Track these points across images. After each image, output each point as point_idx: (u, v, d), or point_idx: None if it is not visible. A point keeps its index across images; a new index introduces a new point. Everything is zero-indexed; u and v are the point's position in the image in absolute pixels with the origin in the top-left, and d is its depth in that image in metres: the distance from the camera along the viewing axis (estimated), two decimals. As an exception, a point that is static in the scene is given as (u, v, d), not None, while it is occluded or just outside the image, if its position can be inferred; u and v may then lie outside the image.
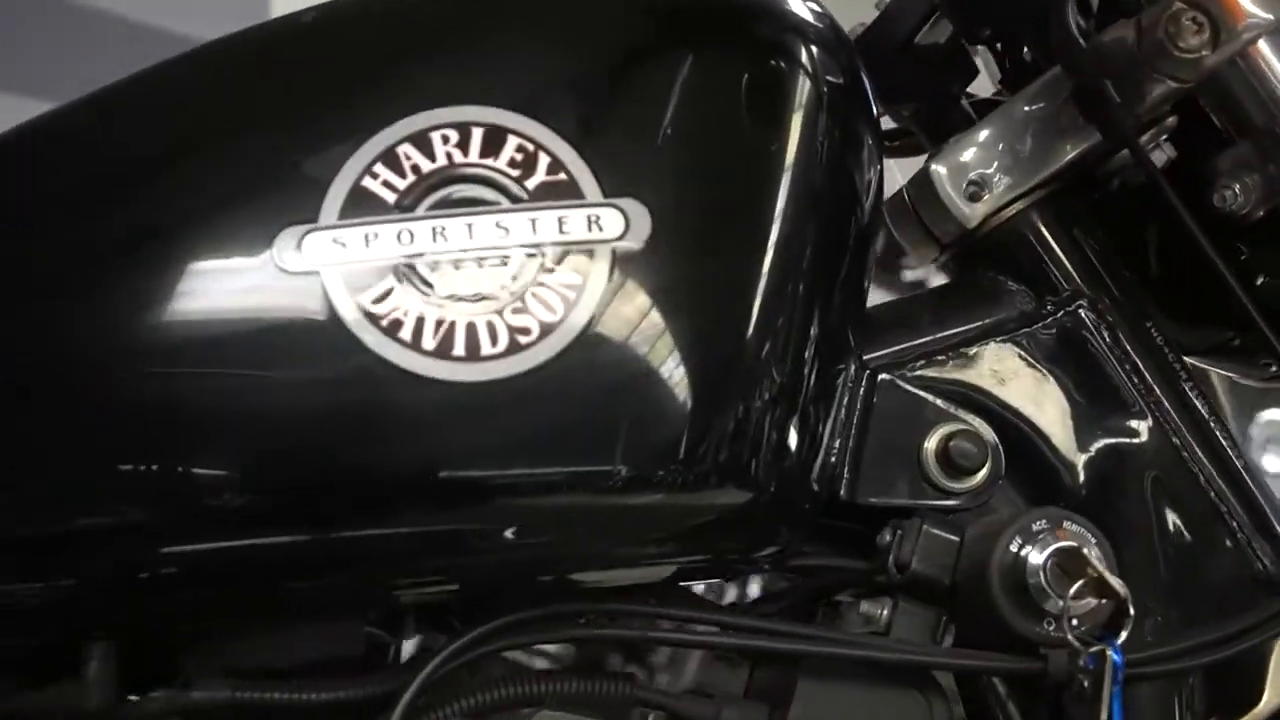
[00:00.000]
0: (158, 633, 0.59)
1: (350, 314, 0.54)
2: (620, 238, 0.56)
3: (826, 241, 0.61)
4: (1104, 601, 0.60)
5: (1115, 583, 0.59)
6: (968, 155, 0.71)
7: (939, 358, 0.69)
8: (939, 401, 0.67)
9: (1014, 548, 0.62)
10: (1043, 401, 0.69)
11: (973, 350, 0.70)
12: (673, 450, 0.56)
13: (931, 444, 0.67)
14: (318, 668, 0.61)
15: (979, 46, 0.77)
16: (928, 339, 0.70)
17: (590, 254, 0.55)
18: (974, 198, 0.71)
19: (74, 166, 0.58)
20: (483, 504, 0.55)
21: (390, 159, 0.55)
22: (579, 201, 0.56)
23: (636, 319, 0.55)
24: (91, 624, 0.57)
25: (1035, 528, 0.62)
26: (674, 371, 0.56)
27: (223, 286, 0.55)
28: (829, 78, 0.62)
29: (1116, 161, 0.72)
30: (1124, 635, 0.59)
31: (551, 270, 0.55)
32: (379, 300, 0.54)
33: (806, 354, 0.60)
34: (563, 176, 0.56)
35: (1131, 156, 0.69)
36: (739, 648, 0.64)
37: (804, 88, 0.61)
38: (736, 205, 0.58)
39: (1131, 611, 0.59)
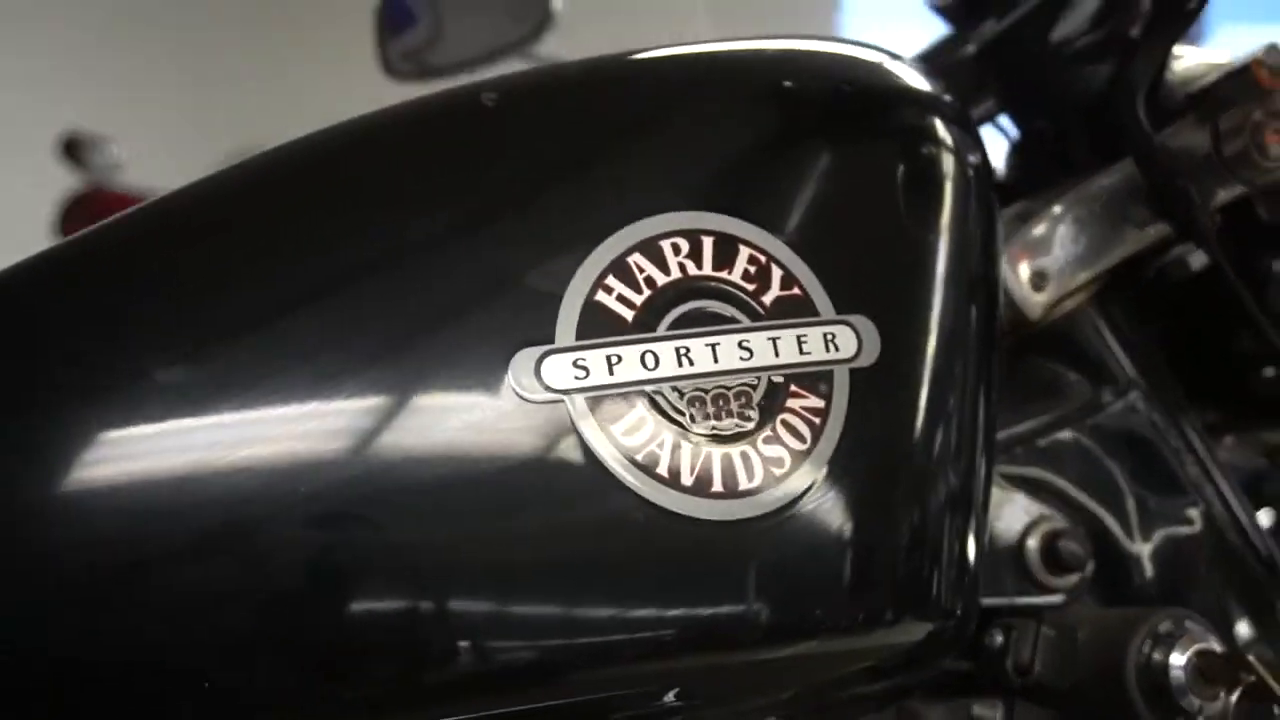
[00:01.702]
0: None
1: (604, 448, 0.48)
2: (854, 358, 0.52)
3: (994, 324, 0.60)
4: (1241, 700, 0.62)
5: (1268, 676, 0.61)
6: (1034, 237, 0.71)
7: (1015, 450, 0.69)
8: (1032, 499, 0.67)
9: (1146, 649, 0.63)
10: (1112, 493, 0.71)
11: (1043, 443, 0.70)
12: (915, 584, 0.53)
13: (1034, 542, 0.67)
14: None
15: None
16: (1008, 433, 0.70)
17: (830, 377, 0.52)
18: (1038, 287, 0.71)
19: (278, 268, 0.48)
20: (734, 648, 0.51)
21: (622, 270, 0.50)
22: (815, 319, 0.52)
23: (876, 445, 0.52)
24: None
25: (1163, 629, 0.63)
26: (914, 500, 0.53)
27: (458, 417, 0.47)
28: (984, 175, 0.61)
29: (1168, 256, 0.74)
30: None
31: (799, 394, 0.51)
32: (632, 432, 0.48)
33: (989, 464, 0.58)
34: (797, 292, 0.52)
35: (1201, 249, 0.72)
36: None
37: (970, 174, 0.59)
38: (951, 316, 0.55)
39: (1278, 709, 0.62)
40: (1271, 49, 0.70)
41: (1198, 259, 0.74)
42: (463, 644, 0.46)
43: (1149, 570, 0.70)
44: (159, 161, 3.86)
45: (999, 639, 0.66)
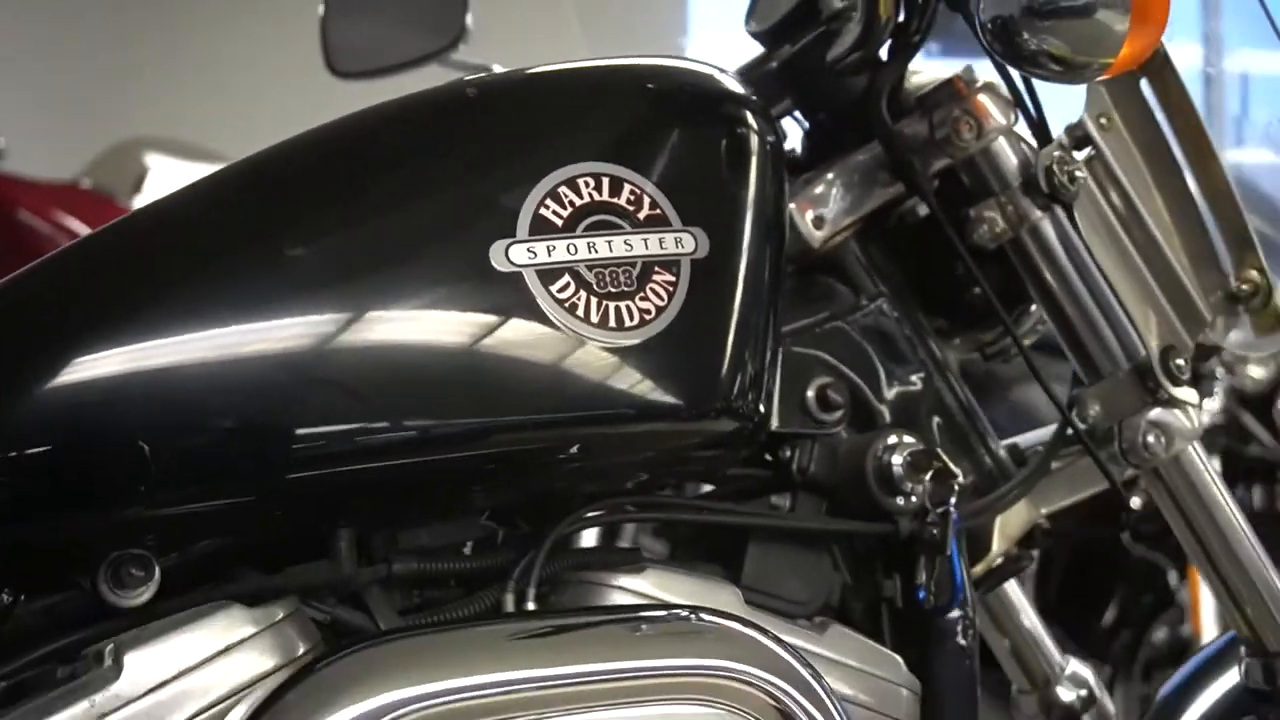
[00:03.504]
0: (375, 525, 0.82)
1: (545, 301, 0.81)
2: (694, 252, 0.86)
3: (782, 244, 0.94)
4: (933, 482, 0.97)
5: (953, 467, 0.97)
6: (815, 194, 1.05)
7: (807, 333, 1.03)
8: (812, 365, 1.02)
9: (880, 453, 0.98)
10: (864, 363, 1.05)
11: (819, 330, 1.05)
12: (722, 390, 0.87)
13: (811, 392, 1.01)
14: (455, 549, 0.87)
15: None
16: (797, 325, 1.04)
17: (678, 263, 0.85)
18: (818, 227, 1.06)
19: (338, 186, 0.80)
20: (605, 425, 0.84)
21: (555, 195, 0.83)
22: (669, 228, 0.85)
23: (707, 306, 0.86)
24: (342, 518, 0.80)
25: (891, 441, 0.99)
26: (727, 341, 0.87)
27: (453, 283, 0.80)
28: (771, 138, 0.95)
29: (904, 206, 1.09)
30: (954, 499, 0.97)
31: (659, 271, 0.84)
32: (561, 291, 0.81)
33: (776, 328, 0.92)
34: (659, 211, 0.85)
35: (923, 202, 1.07)
36: (718, 521, 0.96)
37: (767, 148, 0.93)
38: (750, 228, 0.89)
39: (957, 488, 0.97)
40: (968, 69, 1.06)
41: (923, 209, 1.09)
42: (442, 420, 0.79)
43: (887, 414, 1.05)
44: (39, 152, 4.04)
45: (788, 453, 1.00)
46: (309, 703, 0.68)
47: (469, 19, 1.35)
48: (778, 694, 0.79)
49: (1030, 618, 1.29)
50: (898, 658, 0.96)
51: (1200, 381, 1.12)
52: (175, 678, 0.73)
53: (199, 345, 0.76)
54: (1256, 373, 3.23)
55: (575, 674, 0.74)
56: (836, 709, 0.81)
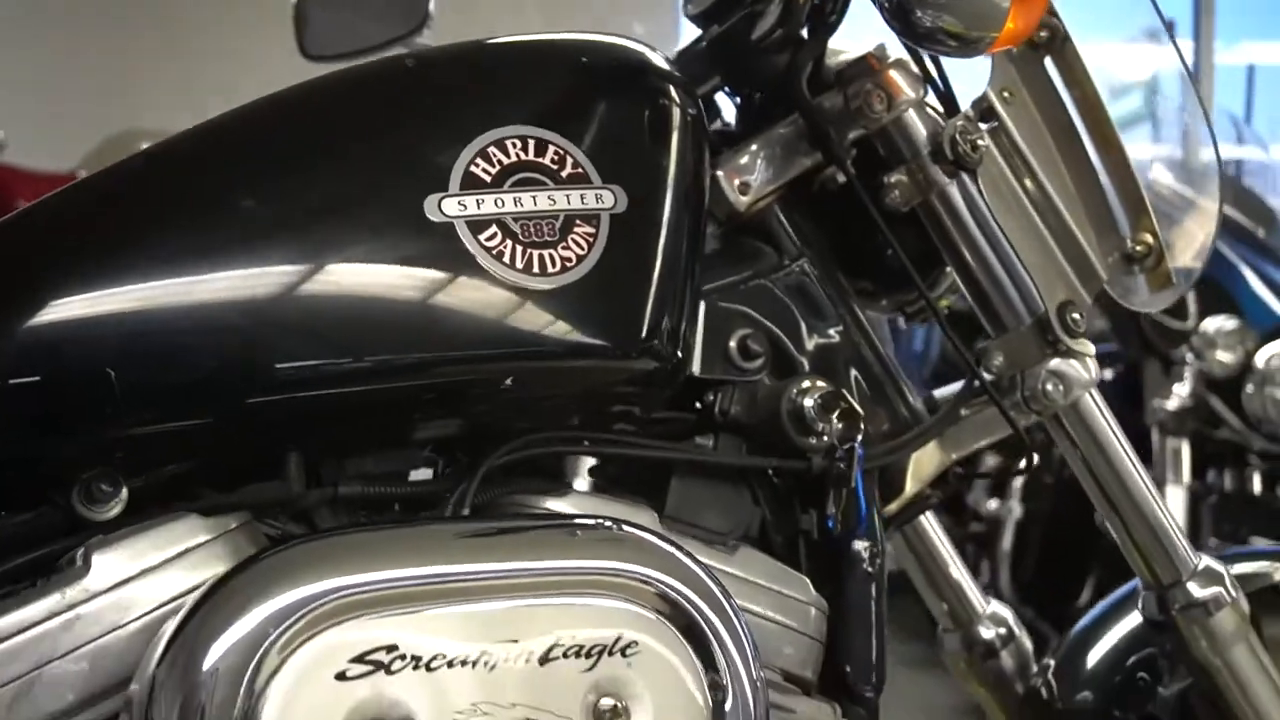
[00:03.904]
0: (324, 451, 0.92)
1: (475, 249, 0.90)
2: (612, 208, 0.95)
3: (701, 205, 1.03)
4: (841, 421, 1.06)
5: (857, 408, 1.06)
6: (741, 163, 1.14)
7: (732, 290, 1.12)
8: (735, 319, 1.10)
9: (794, 396, 1.07)
10: (786, 318, 1.14)
11: (744, 288, 1.14)
12: (640, 333, 0.96)
13: (734, 342, 1.10)
14: (398, 476, 0.96)
15: None
16: (722, 281, 1.13)
17: (598, 217, 0.94)
18: (743, 193, 1.15)
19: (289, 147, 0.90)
20: (531, 360, 0.93)
21: (485, 154, 0.92)
22: (590, 185, 0.95)
23: (625, 255, 0.95)
24: (291, 442, 0.89)
25: (804, 385, 1.07)
26: (642, 286, 0.96)
27: (392, 231, 0.89)
28: (692, 110, 1.04)
29: (825, 174, 1.18)
30: (859, 438, 1.06)
31: (580, 224, 0.94)
32: (490, 240, 0.90)
33: (694, 279, 1.02)
34: (581, 170, 0.95)
35: (839, 170, 1.16)
36: (643, 456, 1.04)
37: (687, 119, 1.02)
38: (666, 188, 0.99)
39: (863, 425, 1.06)
40: (880, 47, 1.15)
41: (843, 177, 1.18)
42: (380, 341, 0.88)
43: (806, 365, 1.14)
44: (37, 144, 4.14)
45: (711, 397, 1.09)
46: (251, 588, 0.77)
47: (431, 6, 1.44)
48: (681, 598, 0.87)
49: (954, 564, 1.38)
50: (805, 579, 1.05)
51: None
52: (138, 575, 0.83)
53: (161, 287, 0.86)
54: (1225, 358, 3.31)
55: (498, 569, 0.83)
56: (737, 616, 0.90)
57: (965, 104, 1.17)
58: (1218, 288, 3.42)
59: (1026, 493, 3.70)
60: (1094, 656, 1.29)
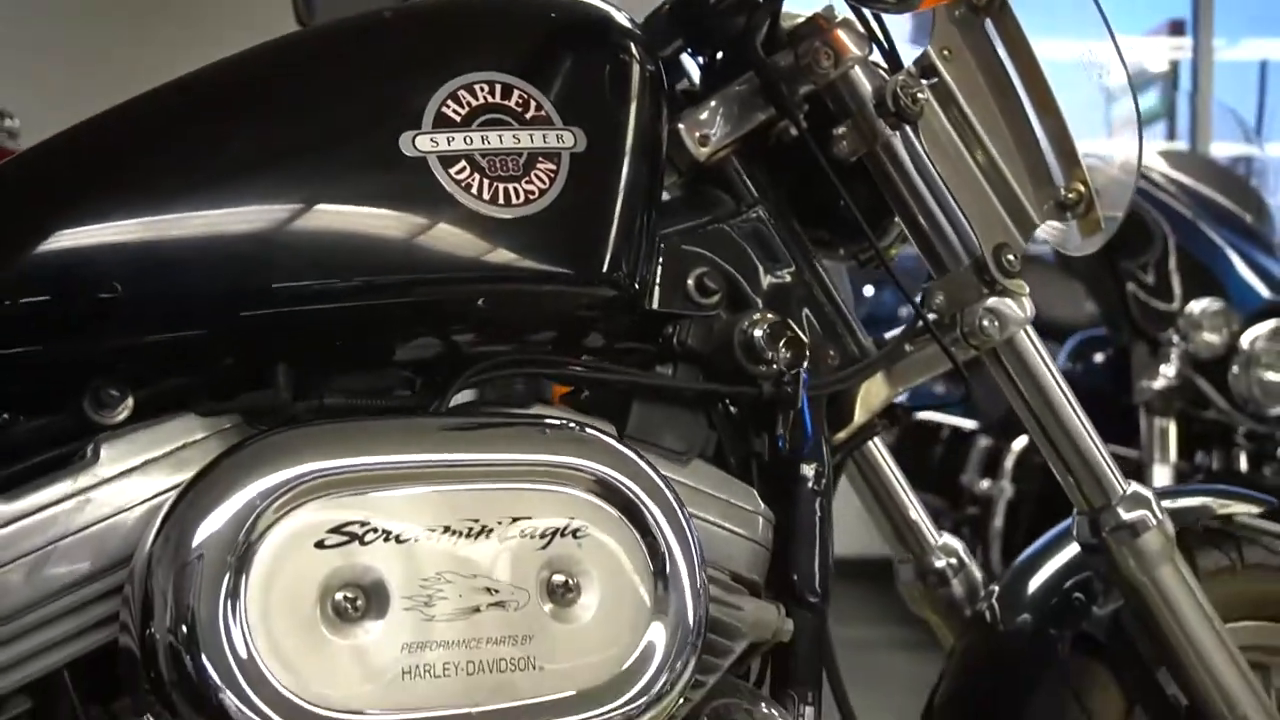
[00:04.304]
0: (312, 365, 1.02)
1: (446, 181, 1.00)
2: (572, 147, 1.05)
3: (657, 152, 1.13)
4: (788, 349, 1.16)
5: (803, 337, 1.16)
6: (701, 118, 1.24)
7: (691, 233, 1.22)
8: (691, 261, 1.20)
9: (745, 327, 1.16)
10: (741, 259, 1.23)
11: (702, 232, 1.23)
12: (600, 263, 1.05)
13: (692, 280, 1.19)
14: (380, 392, 1.06)
15: None
16: (683, 225, 1.22)
17: (560, 155, 1.04)
18: (703, 144, 1.24)
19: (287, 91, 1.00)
20: (499, 283, 1.03)
21: (455, 97, 1.02)
22: (552, 126, 1.04)
23: (584, 192, 1.05)
24: (279, 355, 0.99)
25: (755, 317, 1.17)
26: (601, 220, 1.06)
27: (370, 165, 0.99)
28: (650, 66, 1.14)
29: (779, 128, 1.28)
30: (804, 365, 1.15)
31: (542, 161, 1.03)
32: (460, 173, 1.00)
33: (650, 216, 1.11)
34: (543, 113, 1.04)
35: (791, 124, 1.25)
36: (607, 379, 1.14)
37: (646, 73, 1.12)
38: (624, 133, 1.08)
39: (807, 353, 1.16)
40: (829, 7, 1.25)
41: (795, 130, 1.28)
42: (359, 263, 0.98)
43: (760, 302, 1.23)
44: (50, 131, 4.25)
45: (670, 330, 1.18)
46: (238, 470, 0.87)
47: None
48: (630, 493, 0.97)
49: (909, 498, 1.48)
50: (754, 491, 1.15)
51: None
52: (141, 465, 0.93)
53: (162, 213, 0.96)
54: (1211, 339, 3.39)
55: (465, 459, 0.93)
56: (683, 513, 0.99)
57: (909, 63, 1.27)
58: (1204, 271, 3.51)
59: (1017, 473, 3.78)
60: (1034, 583, 1.38)
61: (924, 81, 1.24)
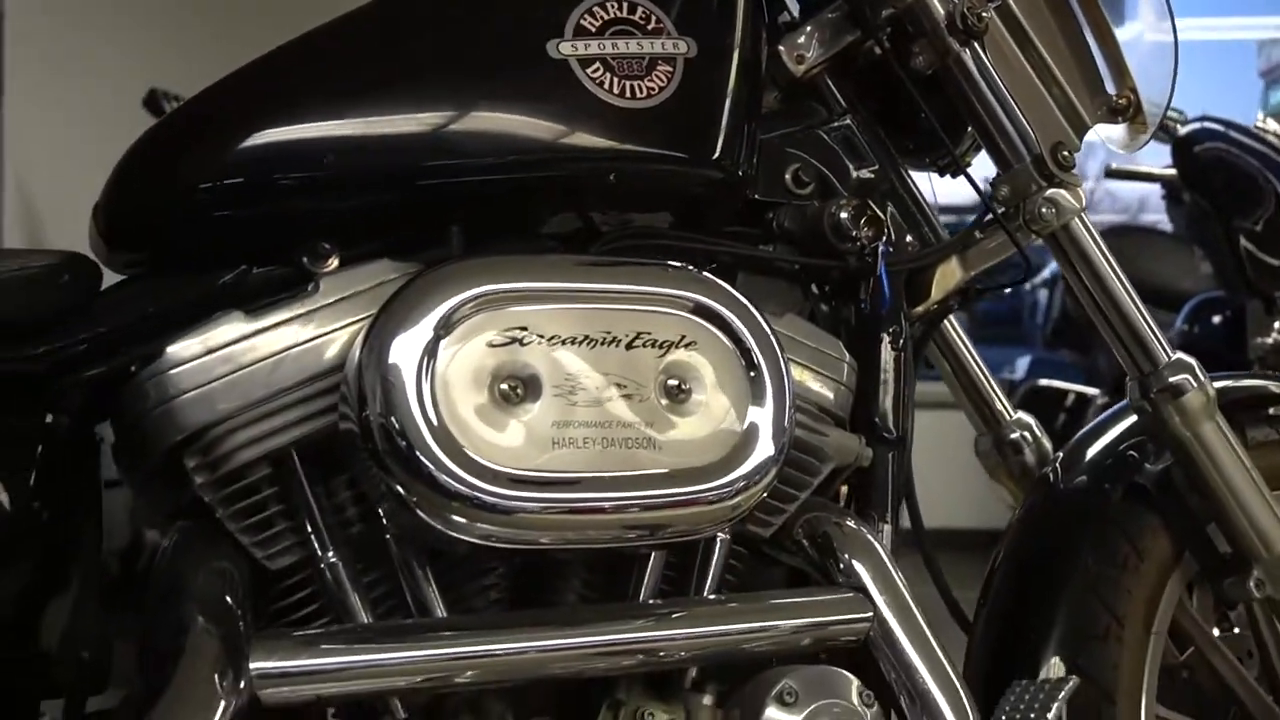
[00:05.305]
0: (478, 229, 1.27)
1: (585, 79, 1.25)
2: (686, 53, 1.29)
3: (758, 62, 1.36)
4: (868, 227, 1.38)
5: (882, 216, 1.38)
6: (798, 41, 1.47)
7: (790, 136, 1.45)
8: (794, 159, 1.43)
9: (833, 211, 1.39)
10: (832, 158, 1.46)
11: (800, 134, 1.46)
12: (711, 150, 1.29)
13: (790, 175, 1.42)
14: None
15: None
16: (783, 130, 1.45)
17: (674, 59, 1.28)
18: (799, 63, 1.47)
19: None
20: (627, 161, 1.27)
21: (590, 12, 1.27)
22: (670, 36, 1.28)
23: (695, 88, 1.29)
24: (454, 218, 1.25)
25: (842, 202, 1.39)
26: (711, 115, 1.29)
27: (524, 67, 1.25)
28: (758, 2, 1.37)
29: (864, 48, 1.50)
30: (884, 240, 1.38)
31: (661, 64, 1.28)
32: (596, 72, 1.25)
33: (753, 113, 1.34)
34: (662, 25, 1.29)
35: (875, 44, 1.47)
36: (719, 250, 1.37)
37: (755, 7, 1.36)
38: (730, 42, 1.32)
39: (886, 230, 1.38)
40: (908, -56, 1.47)
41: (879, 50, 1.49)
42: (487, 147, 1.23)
43: (846, 189, 1.45)
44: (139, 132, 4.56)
45: (772, 215, 1.41)
46: (428, 289, 1.13)
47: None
48: (734, 319, 1.21)
49: (984, 375, 1.69)
50: (839, 341, 1.37)
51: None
52: (351, 295, 1.20)
53: (360, 109, 1.22)
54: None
55: (603, 287, 1.19)
56: (778, 341, 1.23)
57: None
58: (1317, 225, 3.60)
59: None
60: (1094, 448, 1.58)
61: (989, 1, 1.45)
